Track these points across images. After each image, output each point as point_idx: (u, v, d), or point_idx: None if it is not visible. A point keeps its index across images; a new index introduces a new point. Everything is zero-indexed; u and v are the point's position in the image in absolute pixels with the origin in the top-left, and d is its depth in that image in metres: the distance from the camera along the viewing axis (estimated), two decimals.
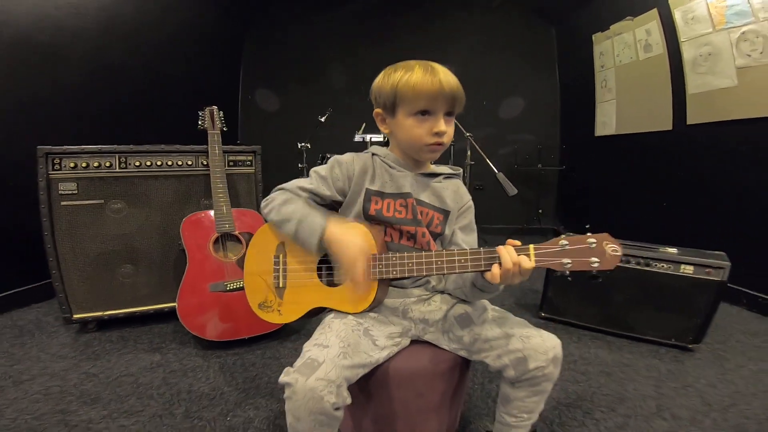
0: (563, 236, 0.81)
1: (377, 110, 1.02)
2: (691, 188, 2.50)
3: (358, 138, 2.89)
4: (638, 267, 1.71)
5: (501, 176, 2.52)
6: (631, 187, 3.04)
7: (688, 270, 1.64)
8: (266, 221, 1.04)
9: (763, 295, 2.05)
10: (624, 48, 2.95)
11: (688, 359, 1.60)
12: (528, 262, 0.80)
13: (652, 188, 2.82)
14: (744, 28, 2.06)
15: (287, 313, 1.03)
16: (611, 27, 3.05)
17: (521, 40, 3.98)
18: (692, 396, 1.36)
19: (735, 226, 2.22)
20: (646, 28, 2.70)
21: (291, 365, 0.81)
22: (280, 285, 1.03)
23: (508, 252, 0.80)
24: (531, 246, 0.81)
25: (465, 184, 3.02)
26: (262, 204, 1.03)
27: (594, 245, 0.79)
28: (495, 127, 4.01)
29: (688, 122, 2.47)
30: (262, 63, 4.14)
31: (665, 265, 1.68)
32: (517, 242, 0.82)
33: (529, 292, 2.38)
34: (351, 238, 0.89)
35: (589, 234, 0.80)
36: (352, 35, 4.09)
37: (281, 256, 1.03)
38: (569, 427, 1.20)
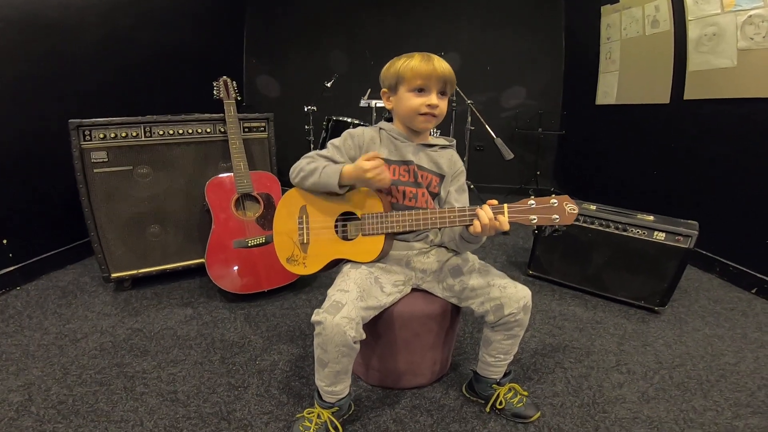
0: (532, 197, 0.99)
1: (383, 90, 1.21)
2: (681, 159, 2.62)
3: (363, 103, 2.94)
4: (616, 231, 1.86)
5: (499, 141, 2.64)
6: (626, 155, 3.16)
7: (660, 236, 1.78)
8: (294, 185, 1.24)
9: (734, 264, 2.22)
10: (632, 22, 2.95)
11: (652, 320, 1.80)
12: (504, 220, 0.98)
13: (645, 157, 2.94)
14: (751, 12, 2.08)
15: (311, 265, 1.24)
16: (621, 0, 3.03)
17: (529, 7, 3.92)
18: (648, 354, 1.54)
19: (716, 197, 2.36)
20: (656, 4, 2.70)
21: (308, 314, 1.03)
22: (305, 241, 1.24)
23: (485, 211, 0.99)
24: (505, 205, 1.00)
25: (465, 147, 3.16)
26: (291, 169, 1.22)
27: (555, 204, 0.97)
28: (498, 91, 4.05)
29: (685, 98, 2.55)
30: (265, 26, 4.12)
31: (640, 231, 1.82)
32: (495, 201, 1.01)
33: (520, 250, 2.59)
34: (362, 163, 1.07)
35: (552, 195, 0.98)
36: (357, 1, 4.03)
37: (304, 216, 1.24)
38: (542, 373, 1.42)
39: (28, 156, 2.00)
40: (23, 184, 2.00)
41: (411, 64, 1.12)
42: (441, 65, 1.12)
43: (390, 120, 1.28)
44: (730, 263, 2.25)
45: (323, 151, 1.23)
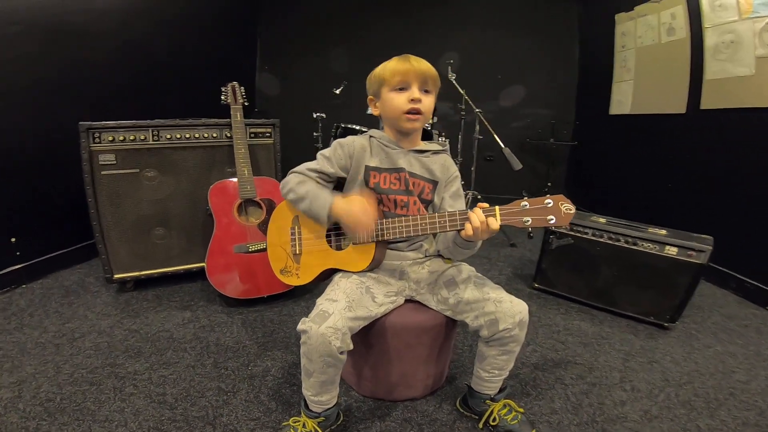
0: (525, 198, 0.95)
1: (369, 97, 1.22)
2: (697, 171, 2.54)
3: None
4: (626, 245, 1.80)
5: (507, 151, 2.60)
6: (639, 166, 3.08)
7: (672, 251, 1.71)
8: (285, 199, 1.22)
9: (750, 280, 2.14)
10: (647, 30, 2.90)
11: (661, 337, 1.73)
12: (494, 221, 0.95)
13: (660, 168, 2.87)
14: None
15: (304, 276, 1.24)
16: (635, 8, 2.98)
17: (543, 16, 3.88)
18: (655, 371, 1.48)
19: (732, 211, 2.28)
20: (672, 12, 2.64)
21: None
22: (297, 252, 1.24)
23: (476, 214, 0.96)
24: (497, 207, 0.96)
25: (473, 156, 3.12)
26: (281, 186, 1.21)
27: (550, 205, 0.93)
28: (510, 100, 4.00)
29: (702, 107, 2.48)
30: (278, 34, 4.17)
31: (651, 245, 1.76)
32: (485, 204, 0.98)
33: (527, 263, 2.53)
34: (353, 205, 1.07)
35: (547, 196, 0.94)
36: (368, 8, 4.05)
37: (296, 227, 1.24)
38: (541, 389, 1.37)
39: (39, 156, 2.05)
40: (33, 184, 2.04)
41: (389, 65, 1.15)
42: (418, 62, 1.13)
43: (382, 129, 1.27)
44: (747, 279, 2.16)
45: (312, 164, 1.21)
